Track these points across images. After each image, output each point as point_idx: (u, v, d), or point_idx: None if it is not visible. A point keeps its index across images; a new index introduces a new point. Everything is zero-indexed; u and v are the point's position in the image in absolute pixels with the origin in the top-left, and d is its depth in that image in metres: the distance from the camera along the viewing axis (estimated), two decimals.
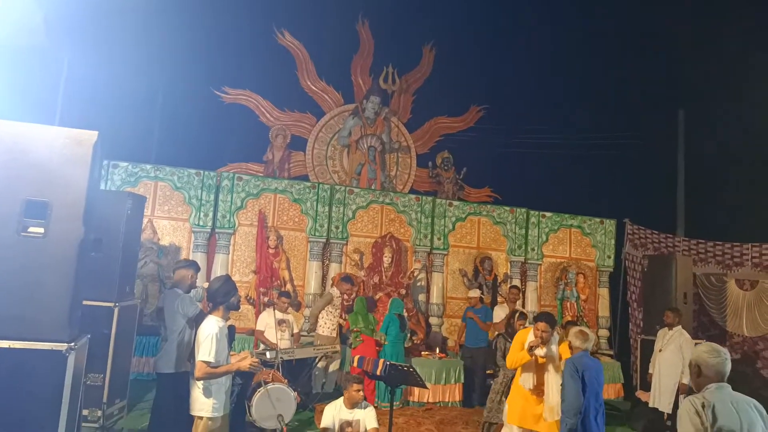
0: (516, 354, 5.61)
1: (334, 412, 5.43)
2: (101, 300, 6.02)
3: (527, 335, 5.65)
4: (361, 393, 5.47)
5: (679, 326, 7.76)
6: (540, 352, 5.47)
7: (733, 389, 3.08)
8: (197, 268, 5.22)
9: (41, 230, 3.19)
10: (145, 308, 8.37)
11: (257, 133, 11.98)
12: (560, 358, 5.48)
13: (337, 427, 5.38)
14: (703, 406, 2.96)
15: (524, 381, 5.61)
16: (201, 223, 9.11)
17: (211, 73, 11.57)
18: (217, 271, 8.84)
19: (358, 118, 12.43)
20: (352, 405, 5.43)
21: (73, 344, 3.17)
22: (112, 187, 8.72)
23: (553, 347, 5.52)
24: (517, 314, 7.93)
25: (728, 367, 3.08)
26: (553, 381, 5.47)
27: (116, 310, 6.17)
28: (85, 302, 3.84)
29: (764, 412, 3.10)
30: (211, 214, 9.19)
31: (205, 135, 11.10)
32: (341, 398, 5.53)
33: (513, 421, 5.63)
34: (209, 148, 11.00)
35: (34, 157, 3.25)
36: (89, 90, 9.55)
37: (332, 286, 8.85)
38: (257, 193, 9.46)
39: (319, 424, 5.56)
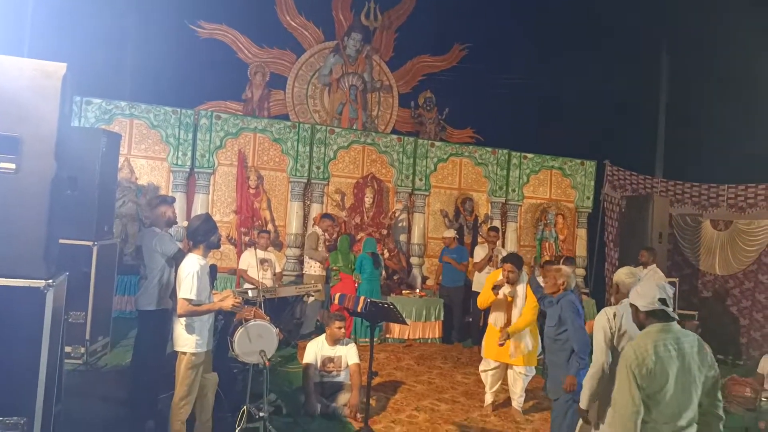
0: (485, 294, 5.77)
1: (316, 348, 5.56)
2: (79, 239, 6.03)
3: (498, 276, 5.78)
4: (343, 330, 5.59)
5: (654, 265, 7.99)
6: (505, 290, 5.63)
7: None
8: (171, 201, 5.17)
9: (13, 166, 3.11)
10: (125, 248, 8.35)
11: (235, 70, 11.61)
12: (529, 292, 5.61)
13: (319, 363, 5.52)
14: (614, 316, 3.58)
15: (495, 320, 5.80)
16: (179, 163, 8.97)
17: (186, 4, 11.07)
18: (197, 210, 8.76)
19: (339, 56, 12.13)
20: (334, 342, 5.55)
21: (51, 281, 3.15)
22: (86, 124, 8.49)
23: (519, 287, 5.66)
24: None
25: None
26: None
27: (95, 249, 6.18)
28: (63, 241, 3.79)
29: None
30: (189, 154, 9.03)
31: (182, 71, 10.68)
32: (323, 335, 5.65)
33: (490, 356, 5.84)
34: (186, 85, 10.63)
35: (2, 90, 3.13)
36: (59, 24, 9.12)
37: (314, 225, 8.87)
38: (236, 132, 9.28)
39: (302, 360, 5.69)
